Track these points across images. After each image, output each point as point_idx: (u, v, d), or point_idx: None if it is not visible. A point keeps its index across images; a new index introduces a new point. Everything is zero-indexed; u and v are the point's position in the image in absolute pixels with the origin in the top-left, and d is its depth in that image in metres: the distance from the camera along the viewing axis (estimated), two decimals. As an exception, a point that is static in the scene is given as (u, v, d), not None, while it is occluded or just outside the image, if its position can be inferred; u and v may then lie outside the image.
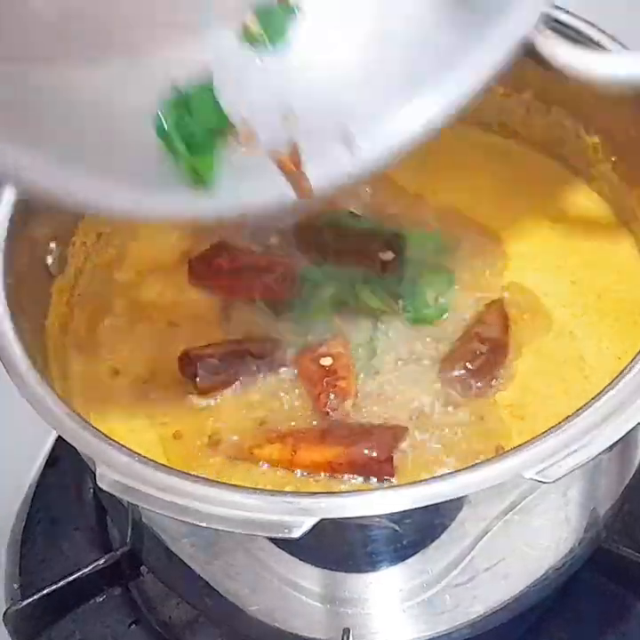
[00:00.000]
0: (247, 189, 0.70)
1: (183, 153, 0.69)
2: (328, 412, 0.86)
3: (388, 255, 0.95)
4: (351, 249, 0.96)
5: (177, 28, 0.70)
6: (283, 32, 0.72)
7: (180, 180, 0.69)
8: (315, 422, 0.86)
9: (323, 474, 0.83)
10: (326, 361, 0.88)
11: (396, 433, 0.84)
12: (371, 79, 0.71)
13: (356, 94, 0.71)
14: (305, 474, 0.83)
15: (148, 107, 0.70)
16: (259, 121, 0.71)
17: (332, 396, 0.86)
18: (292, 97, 0.71)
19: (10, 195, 0.86)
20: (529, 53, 0.72)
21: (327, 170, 0.71)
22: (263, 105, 0.71)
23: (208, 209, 0.70)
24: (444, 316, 0.92)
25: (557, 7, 0.85)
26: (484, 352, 0.88)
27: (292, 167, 0.70)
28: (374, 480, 0.82)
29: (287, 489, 0.82)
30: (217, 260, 0.96)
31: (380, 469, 0.82)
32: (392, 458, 0.83)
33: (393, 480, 0.82)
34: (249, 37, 0.72)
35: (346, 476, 0.83)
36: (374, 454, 0.82)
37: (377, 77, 0.71)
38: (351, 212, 0.99)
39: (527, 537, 0.81)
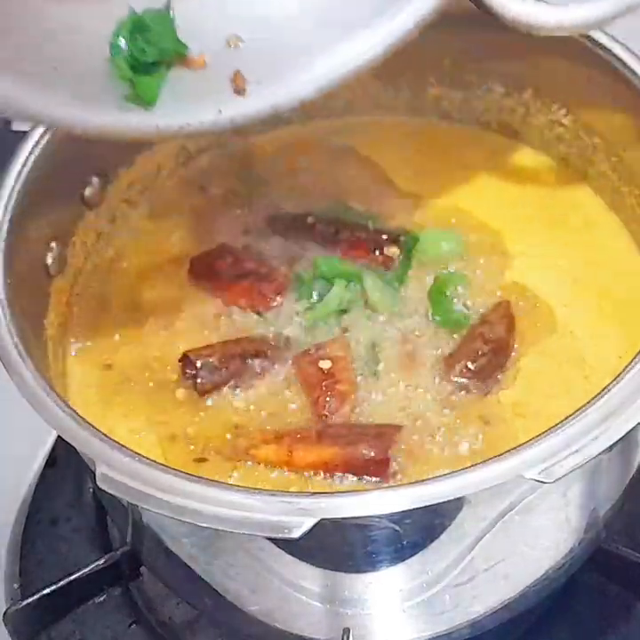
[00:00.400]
0: (187, 109, 0.75)
1: (127, 72, 0.74)
2: (326, 416, 0.86)
3: (393, 251, 0.95)
4: (356, 241, 0.96)
5: None
6: None
7: (124, 97, 0.74)
8: (312, 423, 0.86)
9: (320, 474, 0.83)
10: (325, 364, 0.88)
11: (393, 433, 0.84)
12: (307, 19, 0.75)
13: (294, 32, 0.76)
14: (305, 474, 0.83)
15: (107, 31, 0.74)
16: (208, 48, 0.76)
17: (330, 399, 0.86)
18: (238, 29, 0.76)
19: (11, 194, 0.86)
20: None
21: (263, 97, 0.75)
22: (213, 34, 0.76)
23: (148, 125, 0.74)
24: (470, 320, 0.92)
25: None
26: (487, 353, 0.88)
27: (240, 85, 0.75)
28: (374, 480, 0.83)
29: (287, 489, 0.82)
30: (218, 262, 0.96)
31: (377, 469, 0.82)
32: (389, 458, 0.83)
33: (391, 480, 0.82)
34: None
35: (345, 476, 0.83)
36: (371, 454, 0.82)
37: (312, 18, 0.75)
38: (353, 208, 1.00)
39: (527, 537, 0.81)
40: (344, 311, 0.92)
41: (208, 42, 0.76)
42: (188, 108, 0.75)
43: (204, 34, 0.76)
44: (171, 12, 0.75)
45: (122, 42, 0.74)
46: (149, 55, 0.74)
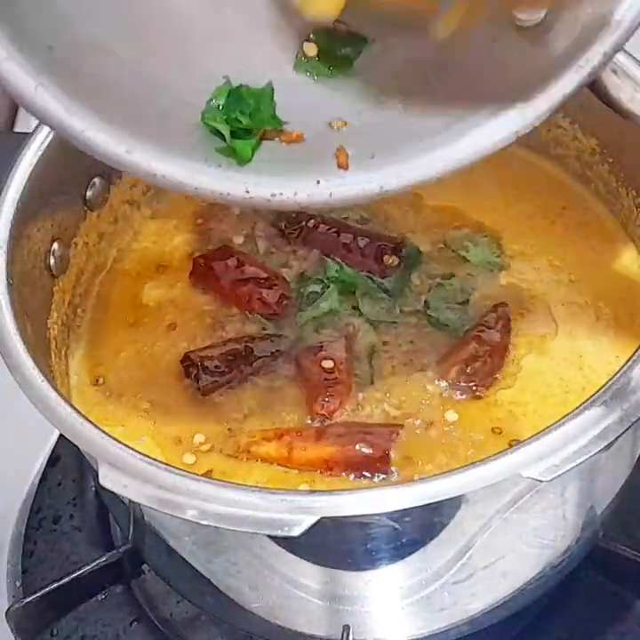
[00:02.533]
0: (281, 176, 0.69)
1: (224, 126, 0.70)
2: (325, 415, 0.86)
3: (392, 260, 0.95)
4: (356, 247, 0.96)
5: (246, 43, 0.72)
6: (345, 61, 0.73)
7: (216, 151, 0.69)
8: (312, 422, 0.87)
9: (320, 472, 0.84)
10: (327, 363, 0.89)
11: (392, 431, 0.85)
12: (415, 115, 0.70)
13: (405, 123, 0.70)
14: (305, 472, 0.84)
15: (204, 93, 0.71)
16: (308, 127, 0.71)
17: (330, 399, 0.87)
18: (344, 114, 0.71)
19: (13, 194, 0.87)
20: (594, 91, 0.70)
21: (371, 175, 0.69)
22: (315, 116, 0.71)
23: (236, 187, 0.68)
24: (468, 322, 0.92)
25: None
26: (483, 355, 0.88)
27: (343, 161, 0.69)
28: (373, 479, 0.83)
29: (288, 487, 0.82)
30: (220, 264, 0.96)
31: (377, 467, 0.83)
32: (388, 456, 0.83)
33: (390, 478, 0.83)
34: (303, 65, 0.73)
35: (344, 475, 0.83)
36: (371, 453, 0.83)
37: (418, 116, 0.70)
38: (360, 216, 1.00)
39: (525, 535, 0.81)
40: (338, 313, 0.93)
41: (309, 122, 0.71)
42: (282, 175, 0.68)
43: (305, 114, 0.71)
44: (271, 90, 0.71)
45: (217, 105, 0.70)
46: (243, 123, 0.69)
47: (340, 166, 0.68)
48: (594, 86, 0.69)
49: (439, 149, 0.68)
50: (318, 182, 0.67)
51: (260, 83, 0.72)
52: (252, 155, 0.69)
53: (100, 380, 0.92)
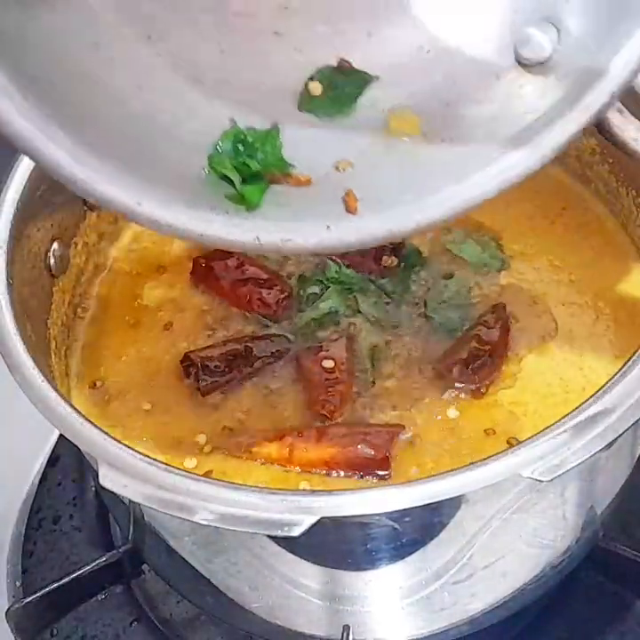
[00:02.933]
0: (290, 223, 0.68)
1: (232, 171, 0.69)
2: (326, 415, 0.86)
3: (391, 261, 0.95)
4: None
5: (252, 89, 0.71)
6: (349, 99, 0.72)
7: (225, 197, 0.68)
8: (312, 422, 0.87)
9: (321, 472, 0.84)
10: (328, 363, 0.89)
11: (393, 432, 0.85)
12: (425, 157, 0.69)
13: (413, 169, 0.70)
14: (305, 472, 0.84)
15: (209, 137, 0.70)
16: (314, 171, 0.70)
17: (330, 399, 0.87)
18: (346, 153, 0.70)
19: (13, 194, 0.87)
20: (601, 130, 0.70)
21: (380, 219, 0.68)
22: (321, 158, 0.70)
23: (247, 235, 0.68)
24: (468, 322, 0.92)
25: None
26: (483, 354, 0.89)
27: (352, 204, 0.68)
28: (373, 479, 0.83)
29: (287, 487, 0.82)
30: (220, 264, 0.96)
31: (378, 468, 0.83)
32: (389, 456, 0.83)
33: (390, 479, 0.83)
34: (307, 104, 0.72)
35: (345, 475, 0.83)
36: (371, 453, 0.83)
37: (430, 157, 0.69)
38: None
39: (525, 535, 0.81)
40: (336, 314, 0.93)
41: (315, 163, 0.70)
42: (291, 220, 0.67)
43: (310, 156, 0.70)
44: (278, 131, 0.70)
45: (224, 150, 0.69)
46: (251, 168, 0.69)
47: (348, 211, 0.67)
48: (599, 126, 0.69)
49: (447, 190, 0.67)
50: (328, 228, 0.67)
51: (265, 125, 0.71)
52: (261, 200, 0.68)
53: (98, 384, 0.92)
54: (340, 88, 0.72)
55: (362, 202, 0.67)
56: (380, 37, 0.70)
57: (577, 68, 0.65)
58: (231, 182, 0.69)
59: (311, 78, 0.72)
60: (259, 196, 0.68)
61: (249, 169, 0.69)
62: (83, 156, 0.64)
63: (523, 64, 0.67)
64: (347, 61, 0.71)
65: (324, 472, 0.84)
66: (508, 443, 0.84)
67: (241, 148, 0.70)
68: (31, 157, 0.64)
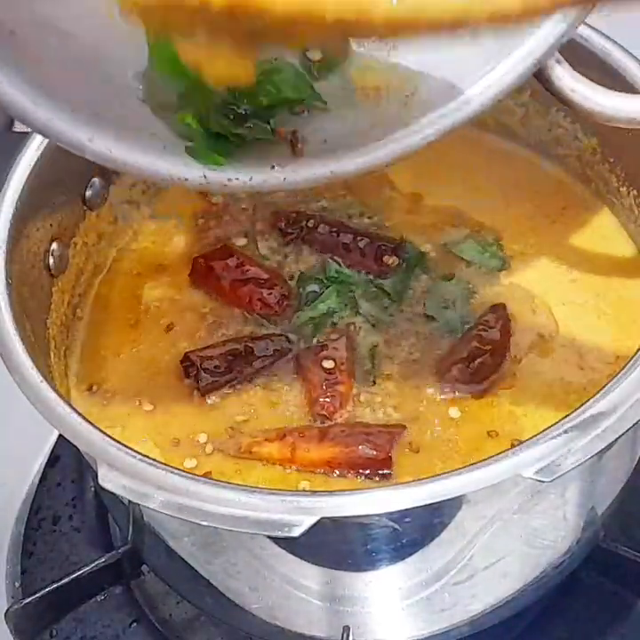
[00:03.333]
0: (236, 163, 0.71)
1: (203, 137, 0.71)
2: (325, 416, 0.86)
3: (392, 261, 0.95)
4: (356, 247, 0.96)
5: None
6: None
7: (184, 148, 0.70)
8: (314, 422, 0.87)
9: (322, 473, 0.83)
10: (328, 364, 0.89)
11: (394, 432, 0.85)
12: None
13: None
14: (306, 472, 0.84)
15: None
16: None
17: (330, 400, 0.87)
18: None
19: (12, 194, 0.87)
20: (540, 80, 0.72)
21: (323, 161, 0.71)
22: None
23: (194, 174, 0.70)
24: (468, 322, 0.92)
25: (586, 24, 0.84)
26: (483, 354, 0.88)
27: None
28: (375, 479, 0.83)
29: (287, 488, 0.82)
30: (220, 264, 0.96)
31: (379, 468, 0.83)
32: (391, 457, 0.83)
33: (392, 479, 0.83)
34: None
35: (346, 475, 0.83)
36: (373, 453, 0.83)
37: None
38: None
39: (526, 536, 0.81)
40: (336, 314, 0.93)
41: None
42: (239, 161, 0.70)
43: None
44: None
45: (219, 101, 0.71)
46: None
47: (295, 152, 0.70)
48: (538, 76, 0.71)
49: (389, 137, 0.70)
50: (273, 167, 0.70)
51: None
52: (227, 157, 0.70)
53: (98, 384, 0.92)
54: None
55: (308, 144, 0.70)
56: None
57: None
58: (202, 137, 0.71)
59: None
60: (225, 156, 0.70)
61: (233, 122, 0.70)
62: (39, 97, 0.67)
63: None
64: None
65: (325, 472, 0.83)
66: (510, 443, 0.83)
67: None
68: None
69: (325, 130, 0.72)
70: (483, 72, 0.69)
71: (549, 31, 0.68)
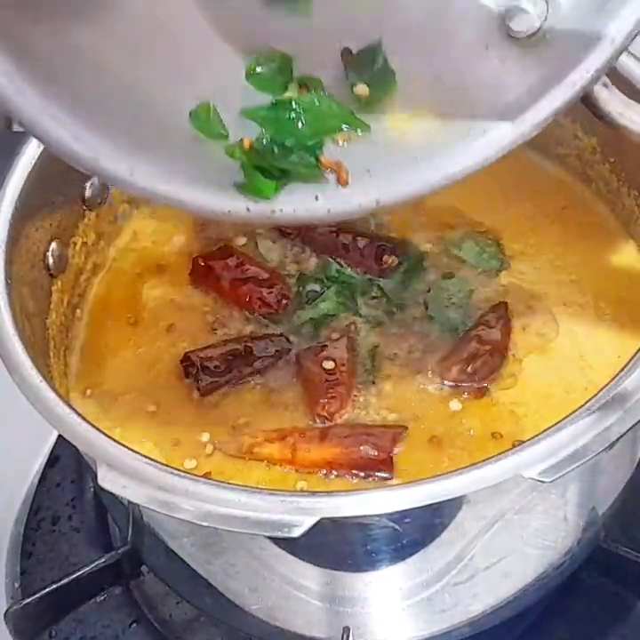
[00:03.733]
0: (281, 195, 0.70)
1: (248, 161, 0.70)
2: (326, 417, 0.86)
3: (392, 260, 0.95)
4: (355, 247, 0.96)
5: None
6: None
7: (235, 186, 0.69)
8: (315, 422, 0.87)
9: (322, 473, 0.83)
10: (329, 364, 0.88)
11: (395, 433, 0.85)
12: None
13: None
14: (306, 473, 0.84)
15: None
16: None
17: (330, 400, 0.87)
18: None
19: (12, 194, 0.86)
20: (586, 104, 0.71)
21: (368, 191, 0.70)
22: None
23: (238, 206, 0.69)
24: (469, 322, 0.92)
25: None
26: (484, 354, 0.88)
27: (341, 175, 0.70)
28: (375, 480, 0.83)
29: (287, 488, 0.82)
30: (220, 264, 0.96)
31: (380, 469, 0.83)
32: (392, 457, 0.83)
33: (392, 480, 0.82)
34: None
35: (346, 476, 0.83)
36: (374, 454, 0.83)
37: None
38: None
39: (526, 536, 0.81)
40: (333, 315, 0.93)
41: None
42: (282, 192, 0.69)
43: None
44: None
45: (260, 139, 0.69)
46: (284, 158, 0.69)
47: (340, 182, 0.69)
48: (585, 100, 0.69)
49: (431, 164, 0.69)
50: (317, 198, 0.69)
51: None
52: (274, 190, 0.69)
53: (97, 384, 0.92)
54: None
55: (351, 174, 0.69)
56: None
57: (565, 41, 0.65)
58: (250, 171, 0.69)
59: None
60: (273, 189, 0.69)
61: (281, 158, 0.69)
62: (80, 133, 0.66)
63: (511, 37, 0.67)
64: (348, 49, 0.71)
65: (326, 473, 0.83)
66: (511, 443, 0.83)
67: (278, 127, 0.69)
68: (31, 133, 0.66)
69: (369, 158, 0.70)
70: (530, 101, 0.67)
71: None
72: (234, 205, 0.69)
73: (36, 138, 0.67)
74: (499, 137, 0.68)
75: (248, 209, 0.69)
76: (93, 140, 0.67)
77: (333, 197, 0.69)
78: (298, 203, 0.69)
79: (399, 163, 0.69)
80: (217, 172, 0.70)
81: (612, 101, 0.70)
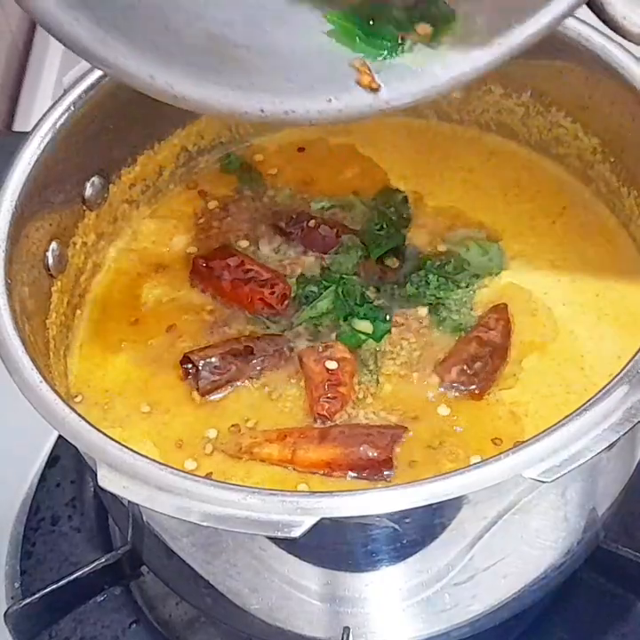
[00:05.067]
0: (296, 97, 0.72)
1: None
2: (326, 417, 0.86)
3: (392, 262, 0.95)
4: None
5: None
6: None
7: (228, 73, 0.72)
8: (315, 422, 0.87)
9: (322, 473, 0.83)
10: (331, 364, 0.88)
11: (395, 433, 0.84)
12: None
13: None
14: (306, 473, 0.84)
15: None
16: None
17: (331, 401, 0.87)
18: None
19: (12, 194, 0.86)
20: (592, 8, 0.72)
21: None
22: None
23: (252, 106, 0.72)
24: (469, 322, 0.92)
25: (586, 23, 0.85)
26: (484, 355, 0.88)
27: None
28: (374, 480, 0.83)
29: (287, 488, 0.82)
30: (220, 264, 0.95)
31: (380, 470, 0.83)
32: (391, 458, 0.83)
33: (392, 480, 0.82)
34: None
35: (347, 476, 0.83)
36: (374, 454, 0.83)
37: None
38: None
39: (526, 536, 0.81)
40: (333, 316, 0.93)
41: None
42: (298, 94, 0.72)
43: None
44: None
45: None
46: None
47: (362, 85, 0.72)
48: (590, 4, 0.71)
49: (444, 63, 0.71)
50: (329, 100, 0.72)
51: None
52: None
53: (97, 385, 0.92)
54: None
55: (375, 73, 0.72)
56: None
57: None
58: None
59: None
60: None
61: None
62: (102, 34, 0.70)
63: None
64: None
65: (326, 473, 0.83)
66: (513, 443, 0.83)
67: None
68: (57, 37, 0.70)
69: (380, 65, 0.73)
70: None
71: None
72: (249, 106, 0.72)
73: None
74: (512, 37, 0.70)
75: (262, 110, 0.72)
76: (117, 43, 0.70)
77: (344, 99, 0.72)
78: (311, 104, 0.72)
79: (409, 69, 0.72)
80: (236, 76, 0.72)
81: (616, 4, 0.71)
